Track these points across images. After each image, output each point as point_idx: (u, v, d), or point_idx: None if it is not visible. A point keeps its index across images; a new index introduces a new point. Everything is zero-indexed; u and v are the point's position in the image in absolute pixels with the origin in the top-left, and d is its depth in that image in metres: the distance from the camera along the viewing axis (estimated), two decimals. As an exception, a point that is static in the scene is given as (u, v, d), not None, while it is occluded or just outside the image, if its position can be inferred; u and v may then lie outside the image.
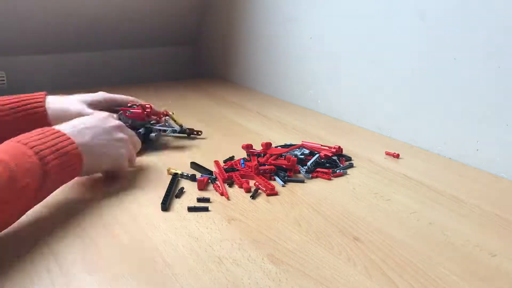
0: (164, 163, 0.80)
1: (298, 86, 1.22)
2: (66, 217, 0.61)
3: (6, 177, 0.50)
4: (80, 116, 0.74)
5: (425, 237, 0.58)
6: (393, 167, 0.80)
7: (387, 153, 0.85)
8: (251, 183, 0.71)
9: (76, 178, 0.66)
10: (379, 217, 0.62)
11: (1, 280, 0.47)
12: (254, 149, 0.82)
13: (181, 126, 0.93)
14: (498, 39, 0.76)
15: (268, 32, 1.31)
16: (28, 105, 0.77)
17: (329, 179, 0.74)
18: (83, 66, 1.47)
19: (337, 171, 0.76)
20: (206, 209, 0.63)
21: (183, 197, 0.67)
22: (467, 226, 0.61)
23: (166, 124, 0.90)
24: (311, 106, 1.18)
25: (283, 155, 0.79)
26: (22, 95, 0.78)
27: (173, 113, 0.94)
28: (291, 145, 0.86)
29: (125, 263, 0.51)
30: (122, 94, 0.90)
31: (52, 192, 0.60)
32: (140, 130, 0.85)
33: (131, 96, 0.91)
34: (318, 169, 0.76)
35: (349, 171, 0.78)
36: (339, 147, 0.84)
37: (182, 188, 0.69)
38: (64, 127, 0.64)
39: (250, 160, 0.79)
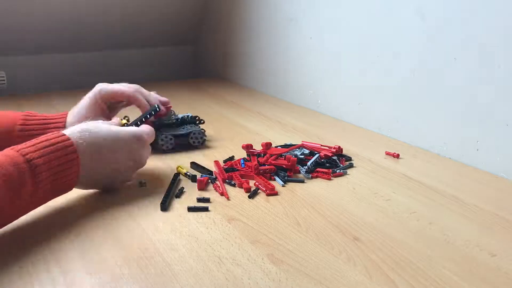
0: (164, 162, 0.80)
1: (298, 86, 1.22)
2: (66, 217, 0.61)
3: None
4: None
5: (425, 237, 0.58)
6: (393, 167, 0.80)
7: (387, 153, 0.85)
8: (251, 183, 0.71)
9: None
10: (379, 217, 0.62)
11: (1, 281, 0.47)
12: (254, 149, 0.82)
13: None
14: (498, 39, 0.76)
15: (268, 32, 1.31)
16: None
17: (329, 179, 0.74)
18: (83, 66, 1.47)
19: (337, 171, 0.76)
20: (206, 209, 0.63)
21: (183, 197, 0.67)
22: (467, 226, 0.61)
23: (173, 116, 0.89)
24: (311, 106, 1.18)
25: (283, 155, 0.79)
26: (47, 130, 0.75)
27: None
28: (291, 145, 0.86)
29: (125, 263, 0.51)
30: None
31: (44, 200, 0.58)
32: (182, 132, 0.85)
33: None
34: (318, 169, 0.76)
35: (349, 171, 0.78)
36: (339, 147, 0.84)
37: (182, 188, 0.69)
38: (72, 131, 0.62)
39: (250, 160, 0.79)
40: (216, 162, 0.77)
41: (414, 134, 0.92)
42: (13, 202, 0.52)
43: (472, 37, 0.80)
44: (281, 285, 0.48)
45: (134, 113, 0.86)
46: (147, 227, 0.59)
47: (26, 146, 0.56)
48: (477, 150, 0.81)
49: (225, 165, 0.77)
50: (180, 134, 0.85)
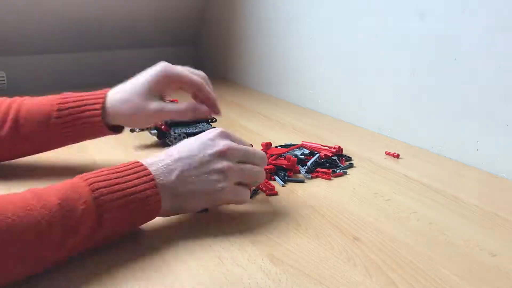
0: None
1: (298, 86, 1.22)
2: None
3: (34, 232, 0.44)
4: (149, 113, 0.66)
5: (425, 237, 0.58)
6: (393, 167, 0.80)
7: (387, 153, 0.85)
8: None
9: None
10: (379, 217, 0.62)
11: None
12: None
13: None
14: (498, 39, 0.76)
15: (268, 32, 1.31)
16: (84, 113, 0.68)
17: (329, 179, 0.74)
18: (84, 66, 1.47)
19: (337, 171, 0.76)
20: (205, 210, 0.63)
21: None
22: (467, 226, 0.61)
23: None
24: (311, 106, 1.18)
25: (283, 155, 0.79)
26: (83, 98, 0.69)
27: None
28: (291, 145, 0.86)
29: (124, 263, 0.51)
30: None
31: (107, 242, 0.52)
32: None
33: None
34: (318, 169, 0.76)
35: (349, 171, 0.78)
36: (339, 147, 0.84)
37: None
38: (152, 162, 0.55)
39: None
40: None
41: (414, 134, 0.92)
42: (65, 242, 0.47)
43: (472, 37, 0.80)
44: (281, 285, 0.48)
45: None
46: (146, 226, 0.59)
47: (98, 179, 0.50)
48: (477, 150, 0.81)
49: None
50: (193, 133, 0.85)
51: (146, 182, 0.52)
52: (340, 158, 0.81)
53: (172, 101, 0.76)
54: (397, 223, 0.61)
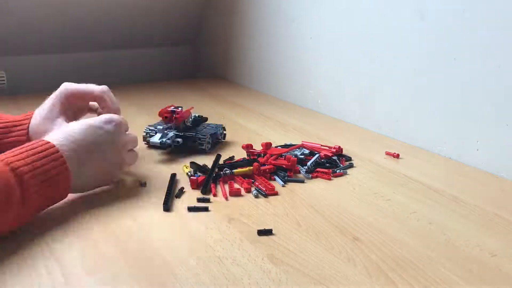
0: (164, 162, 0.80)
1: (298, 86, 1.22)
2: (66, 216, 0.61)
3: None
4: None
5: (425, 237, 0.58)
6: (393, 167, 0.80)
7: (387, 153, 0.85)
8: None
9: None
10: (379, 217, 0.62)
11: (1, 281, 0.47)
12: (254, 149, 0.82)
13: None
14: (498, 39, 0.76)
15: (268, 32, 1.31)
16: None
17: (329, 179, 0.74)
18: (83, 66, 1.47)
19: (337, 171, 0.76)
20: (206, 209, 0.63)
21: (183, 197, 0.67)
22: (467, 226, 0.61)
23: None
24: (311, 106, 1.18)
25: (283, 155, 0.79)
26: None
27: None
28: (291, 145, 0.86)
29: (125, 263, 0.51)
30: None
31: (35, 211, 0.57)
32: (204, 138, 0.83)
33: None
34: (318, 169, 0.76)
35: (349, 171, 0.78)
36: (339, 147, 0.84)
37: (182, 188, 0.69)
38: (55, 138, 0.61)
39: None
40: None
41: (414, 134, 0.92)
42: (5, 211, 0.52)
43: (472, 37, 0.80)
44: (281, 285, 0.48)
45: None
46: (147, 227, 0.59)
47: (9, 156, 0.55)
48: (477, 150, 0.81)
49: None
50: (211, 134, 0.86)
51: (60, 165, 0.58)
52: (340, 158, 0.81)
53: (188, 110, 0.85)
54: (397, 223, 0.61)
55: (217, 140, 0.89)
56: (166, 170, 0.76)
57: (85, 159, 0.62)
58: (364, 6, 1.00)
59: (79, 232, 0.57)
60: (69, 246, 0.54)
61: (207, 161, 0.79)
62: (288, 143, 0.88)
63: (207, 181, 0.69)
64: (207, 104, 1.21)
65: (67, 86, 0.76)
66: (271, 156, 0.78)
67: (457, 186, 0.73)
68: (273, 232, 0.58)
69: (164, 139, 0.81)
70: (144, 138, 0.87)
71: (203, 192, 0.68)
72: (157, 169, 0.77)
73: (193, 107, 0.90)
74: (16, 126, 0.74)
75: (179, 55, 1.69)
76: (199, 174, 0.73)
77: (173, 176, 0.72)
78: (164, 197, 0.65)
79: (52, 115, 0.74)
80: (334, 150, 0.83)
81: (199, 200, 0.66)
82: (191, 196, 0.67)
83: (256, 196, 0.67)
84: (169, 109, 0.85)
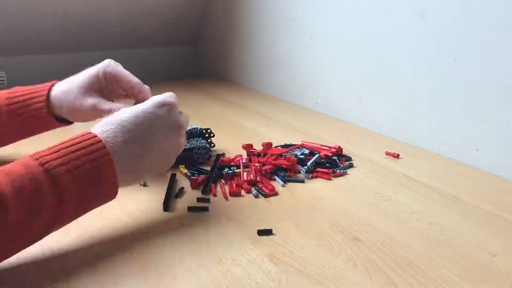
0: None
1: (298, 86, 1.22)
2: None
3: None
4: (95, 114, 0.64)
5: (425, 237, 0.58)
6: (393, 167, 0.80)
7: (387, 153, 0.85)
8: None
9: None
10: (379, 217, 0.62)
11: (1, 281, 0.47)
12: (254, 149, 0.82)
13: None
14: (498, 39, 0.76)
15: (268, 32, 1.31)
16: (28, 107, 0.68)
17: (329, 179, 0.74)
18: (84, 66, 1.46)
19: (337, 171, 0.76)
20: (206, 209, 0.63)
21: (183, 197, 0.67)
22: (467, 226, 0.61)
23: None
24: (311, 106, 1.18)
25: (283, 155, 0.79)
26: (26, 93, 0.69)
27: None
28: (291, 145, 0.86)
29: (125, 263, 0.51)
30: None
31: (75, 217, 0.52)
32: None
33: None
34: (318, 169, 0.76)
35: (349, 171, 0.78)
36: (339, 147, 0.84)
37: (182, 188, 0.69)
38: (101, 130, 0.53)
39: (251, 160, 0.79)
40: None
41: (414, 134, 0.92)
42: (32, 221, 0.46)
43: (472, 37, 0.80)
44: (281, 285, 0.48)
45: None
46: (147, 226, 0.59)
47: (46, 153, 0.49)
48: (477, 150, 0.81)
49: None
50: (186, 148, 0.77)
51: (100, 156, 0.51)
52: (340, 158, 0.81)
53: None
54: (397, 223, 0.61)
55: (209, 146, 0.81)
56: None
57: (141, 150, 0.55)
58: (364, 6, 1.00)
59: (79, 232, 0.57)
60: (69, 246, 0.54)
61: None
62: (288, 143, 0.88)
63: (207, 181, 0.69)
64: (207, 104, 1.21)
65: (111, 64, 0.69)
66: (271, 156, 0.78)
67: (457, 186, 0.73)
68: (273, 232, 0.58)
69: None
70: None
71: (204, 193, 0.68)
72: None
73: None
74: (36, 96, 0.68)
75: (179, 55, 1.69)
76: (198, 174, 0.73)
77: (173, 176, 0.72)
78: (164, 197, 0.65)
79: (84, 84, 0.67)
80: (334, 150, 0.83)
81: (199, 200, 0.66)
82: (191, 196, 0.67)
83: (256, 196, 0.67)
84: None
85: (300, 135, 0.96)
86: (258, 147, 0.83)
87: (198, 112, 1.13)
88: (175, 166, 0.73)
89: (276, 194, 0.68)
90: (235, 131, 0.98)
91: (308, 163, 0.76)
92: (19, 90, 0.70)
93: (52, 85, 0.70)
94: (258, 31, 1.36)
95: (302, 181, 0.73)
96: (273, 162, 0.76)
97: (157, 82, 1.48)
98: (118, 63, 0.69)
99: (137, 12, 1.48)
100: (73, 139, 0.51)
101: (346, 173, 0.77)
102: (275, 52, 1.29)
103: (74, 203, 0.49)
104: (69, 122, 0.72)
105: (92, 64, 0.74)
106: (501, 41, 0.76)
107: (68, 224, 0.51)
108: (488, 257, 0.54)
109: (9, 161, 0.48)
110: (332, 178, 0.75)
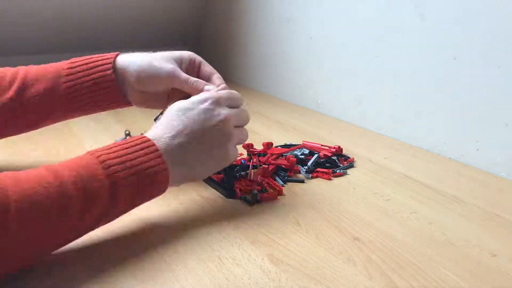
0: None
1: (298, 86, 1.22)
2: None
3: (56, 206, 0.45)
4: (171, 80, 0.63)
5: (425, 237, 0.58)
6: (393, 167, 0.80)
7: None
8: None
9: None
10: (379, 217, 0.62)
11: (1, 281, 0.47)
12: (254, 149, 0.82)
13: None
14: (498, 39, 0.76)
15: (268, 32, 1.31)
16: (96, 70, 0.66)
17: (329, 179, 0.74)
18: (83, 66, 1.47)
19: (337, 171, 0.76)
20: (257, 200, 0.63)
21: (180, 195, 0.67)
22: (467, 226, 0.61)
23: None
24: (311, 106, 1.18)
25: (284, 155, 0.79)
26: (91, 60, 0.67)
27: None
28: (291, 145, 0.86)
29: (125, 262, 0.51)
30: None
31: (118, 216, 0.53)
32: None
33: None
34: (318, 169, 0.76)
35: (349, 171, 0.78)
36: (339, 147, 0.84)
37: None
38: (157, 136, 0.55)
39: (250, 159, 0.79)
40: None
41: (414, 134, 0.92)
42: (89, 210, 0.48)
43: (472, 37, 0.80)
44: (281, 285, 0.48)
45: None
46: (147, 227, 0.59)
47: (104, 152, 0.51)
48: (477, 150, 0.81)
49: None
50: None
51: (155, 158, 0.53)
52: (340, 158, 0.81)
53: None
54: (397, 223, 0.61)
55: None
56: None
57: (190, 147, 0.56)
58: (364, 6, 1.00)
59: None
60: (69, 246, 0.54)
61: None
62: (288, 143, 0.88)
63: (230, 185, 0.67)
64: (207, 104, 1.21)
65: (191, 54, 0.69)
66: (272, 156, 0.78)
67: (457, 186, 0.73)
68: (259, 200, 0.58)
69: None
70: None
71: (229, 196, 0.66)
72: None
73: None
74: (98, 65, 0.66)
75: (179, 55, 1.69)
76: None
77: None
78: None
79: (163, 55, 0.66)
80: (334, 150, 0.83)
81: (245, 200, 0.65)
82: (190, 195, 0.67)
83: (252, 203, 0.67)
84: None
85: (300, 135, 0.96)
86: (258, 147, 0.83)
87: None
88: None
89: (275, 198, 0.68)
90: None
91: (308, 163, 0.76)
92: (81, 58, 0.68)
93: (118, 53, 0.68)
94: (258, 31, 1.36)
95: (302, 181, 0.73)
96: (273, 162, 0.76)
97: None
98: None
99: (137, 13, 1.48)
100: (128, 142, 0.53)
101: (346, 173, 0.77)
102: (275, 52, 1.29)
103: (126, 201, 0.51)
104: (126, 104, 0.69)
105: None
106: (501, 41, 0.76)
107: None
108: (488, 257, 0.54)
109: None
110: (332, 178, 0.75)
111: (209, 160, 0.58)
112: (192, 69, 0.69)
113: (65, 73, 0.67)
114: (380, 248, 0.55)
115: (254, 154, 0.80)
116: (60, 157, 0.78)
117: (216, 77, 0.69)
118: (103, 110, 0.70)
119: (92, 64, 0.66)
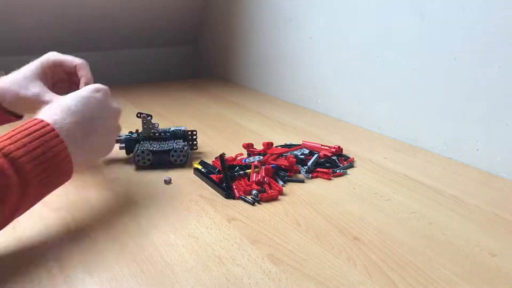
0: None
1: (298, 86, 1.22)
2: (65, 217, 0.61)
3: None
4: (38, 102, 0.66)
5: (425, 237, 0.58)
6: (393, 167, 0.80)
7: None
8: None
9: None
10: (379, 217, 0.62)
11: (2, 281, 0.47)
12: (254, 148, 0.82)
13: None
14: (498, 39, 0.76)
15: (268, 32, 1.31)
16: None
17: (329, 179, 0.74)
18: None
19: (337, 171, 0.76)
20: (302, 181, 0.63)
21: (181, 199, 0.67)
22: (467, 226, 0.61)
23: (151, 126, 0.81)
24: (311, 106, 1.18)
25: (284, 155, 0.79)
26: None
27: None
28: (291, 145, 0.86)
29: (125, 263, 0.51)
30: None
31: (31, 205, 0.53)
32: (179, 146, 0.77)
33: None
34: (318, 169, 0.76)
35: (349, 171, 0.78)
36: (339, 147, 0.84)
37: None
38: (52, 116, 0.56)
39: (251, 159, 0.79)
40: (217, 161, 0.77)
41: (414, 134, 0.92)
42: (3, 202, 0.47)
43: (472, 37, 0.80)
44: (281, 285, 0.48)
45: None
46: (146, 227, 0.59)
47: (1, 140, 0.51)
48: (477, 150, 0.81)
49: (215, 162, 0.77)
50: (160, 151, 0.77)
51: (59, 147, 0.54)
52: (339, 158, 0.81)
53: None
54: (397, 223, 0.61)
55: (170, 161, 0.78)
56: (165, 174, 0.76)
57: (86, 132, 0.58)
58: (364, 6, 1.00)
59: (79, 232, 0.57)
60: (69, 246, 0.54)
61: (206, 161, 0.79)
62: (288, 143, 0.88)
63: (228, 184, 0.68)
64: (207, 104, 1.21)
65: (53, 52, 0.74)
66: (271, 156, 0.78)
67: (457, 186, 0.73)
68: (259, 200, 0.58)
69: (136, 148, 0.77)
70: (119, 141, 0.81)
71: (227, 197, 0.67)
72: (152, 171, 0.77)
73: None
74: None
75: (179, 55, 1.69)
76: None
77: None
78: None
79: (30, 74, 0.71)
80: (334, 150, 0.83)
81: (245, 200, 0.66)
82: (187, 192, 0.67)
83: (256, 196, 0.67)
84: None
85: (300, 135, 0.96)
86: (258, 147, 0.83)
87: (198, 112, 1.14)
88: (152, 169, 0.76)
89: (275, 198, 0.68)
90: (235, 131, 0.98)
91: (309, 163, 0.76)
92: None
93: None
94: (258, 31, 1.36)
95: (302, 181, 0.73)
96: (272, 162, 0.76)
97: (157, 82, 1.48)
98: (58, 53, 0.75)
99: (137, 13, 1.48)
100: (22, 126, 0.53)
101: (346, 173, 0.77)
102: (275, 52, 1.29)
103: (36, 185, 0.51)
104: (18, 117, 0.73)
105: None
106: (501, 41, 0.76)
107: (62, 216, 0.54)
108: (488, 257, 0.54)
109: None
110: (332, 178, 0.75)
111: (100, 148, 0.63)
112: (58, 71, 0.75)
113: None
114: (380, 248, 0.55)
115: (254, 154, 0.80)
116: None
117: (80, 67, 0.75)
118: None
119: None
